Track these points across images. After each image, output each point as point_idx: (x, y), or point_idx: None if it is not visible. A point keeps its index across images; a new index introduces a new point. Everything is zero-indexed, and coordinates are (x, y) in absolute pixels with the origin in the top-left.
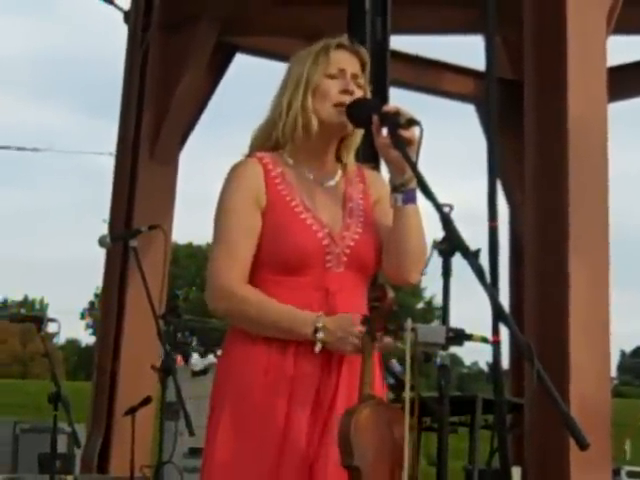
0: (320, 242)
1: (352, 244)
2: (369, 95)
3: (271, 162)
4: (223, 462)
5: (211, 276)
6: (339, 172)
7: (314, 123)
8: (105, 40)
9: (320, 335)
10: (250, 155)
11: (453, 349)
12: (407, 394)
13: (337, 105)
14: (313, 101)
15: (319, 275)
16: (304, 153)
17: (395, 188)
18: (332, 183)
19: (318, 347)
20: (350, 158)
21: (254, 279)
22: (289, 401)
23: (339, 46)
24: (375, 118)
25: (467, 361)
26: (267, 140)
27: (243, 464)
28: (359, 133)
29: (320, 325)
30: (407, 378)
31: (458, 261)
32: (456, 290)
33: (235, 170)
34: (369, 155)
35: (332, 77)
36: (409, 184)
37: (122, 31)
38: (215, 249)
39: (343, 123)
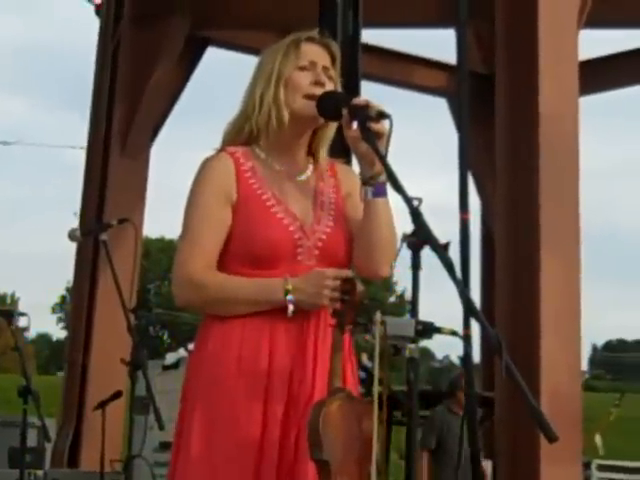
0: (291, 235)
1: (324, 237)
2: (340, 88)
3: (242, 156)
4: (200, 461)
5: (174, 268)
6: (310, 167)
7: (285, 115)
8: (78, 33)
9: (291, 297)
10: (221, 149)
11: (424, 343)
12: (375, 387)
13: (308, 97)
14: (285, 93)
15: (290, 268)
16: (276, 147)
17: (365, 181)
18: (303, 177)
19: (290, 309)
20: (322, 153)
21: (225, 273)
22: (265, 397)
23: (309, 39)
24: (345, 111)
25: (439, 355)
26: (239, 134)
27: (220, 465)
28: (332, 127)
29: (290, 287)
30: (375, 371)
31: (429, 254)
32: (427, 283)
33: (206, 164)
34: (339, 148)
35: (303, 69)
36: (379, 177)
37: (94, 24)
38: (181, 242)
39: (314, 115)
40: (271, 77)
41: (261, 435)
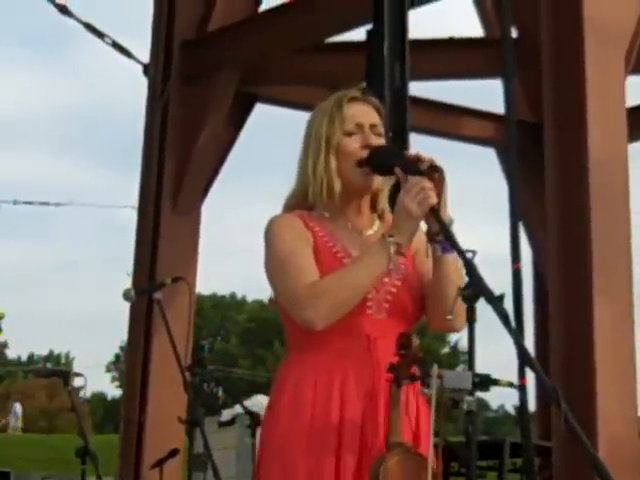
0: None
1: (393, 290)
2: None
3: (308, 217)
4: None
5: (293, 298)
6: (377, 222)
7: (337, 184)
8: (126, 93)
9: (391, 239)
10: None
11: (479, 393)
12: (431, 439)
13: (359, 163)
14: (337, 162)
15: (360, 321)
16: (339, 208)
17: (431, 237)
18: (371, 232)
19: (392, 251)
20: (384, 204)
21: (296, 324)
22: (337, 451)
23: (352, 99)
24: (397, 170)
25: (494, 405)
26: (299, 203)
27: None
28: (388, 181)
29: (390, 240)
30: (433, 424)
31: (483, 304)
32: (481, 333)
33: (275, 221)
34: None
35: (350, 134)
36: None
37: (142, 84)
38: (284, 280)
39: (368, 183)
40: (320, 145)
41: None
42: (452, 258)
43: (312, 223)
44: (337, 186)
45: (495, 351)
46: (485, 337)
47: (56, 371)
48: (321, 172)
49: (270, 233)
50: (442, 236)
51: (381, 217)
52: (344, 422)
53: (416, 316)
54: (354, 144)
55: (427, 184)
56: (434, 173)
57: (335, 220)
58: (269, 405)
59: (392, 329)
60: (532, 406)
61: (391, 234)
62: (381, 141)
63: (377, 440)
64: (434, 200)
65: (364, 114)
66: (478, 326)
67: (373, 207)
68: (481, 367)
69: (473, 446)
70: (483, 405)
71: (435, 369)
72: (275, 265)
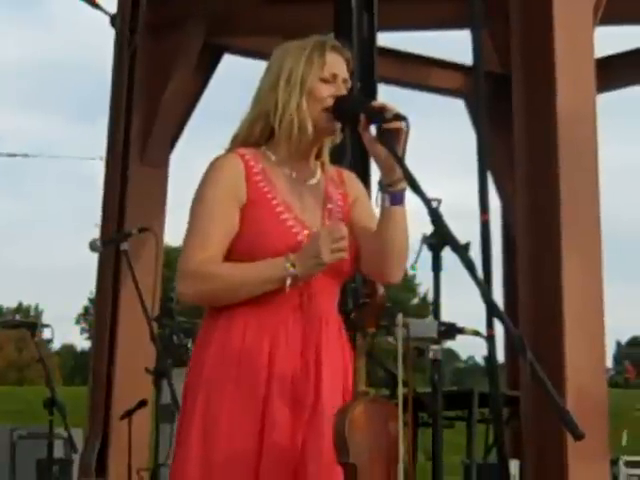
0: (299, 245)
1: None
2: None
3: (252, 158)
4: (198, 460)
5: (180, 262)
6: (319, 170)
7: (309, 126)
8: (93, 44)
9: (292, 270)
10: (231, 150)
11: (449, 344)
12: (400, 389)
13: (326, 110)
14: (307, 104)
15: None
16: (289, 151)
17: (383, 188)
18: (314, 181)
19: (288, 282)
20: (326, 154)
21: None
22: (265, 401)
23: (333, 48)
24: (362, 116)
25: (463, 355)
26: (252, 133)
27: (219, 465)
28: (338, 132)
29: (290, 262)
30: (399, 373)
31: (451, 255)
32: (451, 284)
33: (215, 164)
34: (358, 155)
35: (325, 81)
36: (398, 184)
37: (109, 35)
38: (186, 238)
39: (333, 127)
40: (295, 84)
41: (260, 437)
42: (400, 210)
43: (256, 168)
44: (309, 128)
45: (465, 302)
46: (455, 288)
47: (23, 322)
48: (292, 111)
49: (204, 179)
50: (400, 186)
51: (322, 165)
52: (272, 375)
53: (350, 274)
54: (326, 92)
55: (325, 244)
56: (399, 121)
57: (280, 166)
58: (196, 349)
59: (326, 284)
60: (501, 357)
61: (294, 263)
62: None
63: (308, 393)
64: (345, 255)
65: (340, 66)
66: (449, 278)
67: (317, 156)
68: (451, 317)
69: (439, 395)
70: (452, 356)
71: (400, 318)
72: (193, 216)
